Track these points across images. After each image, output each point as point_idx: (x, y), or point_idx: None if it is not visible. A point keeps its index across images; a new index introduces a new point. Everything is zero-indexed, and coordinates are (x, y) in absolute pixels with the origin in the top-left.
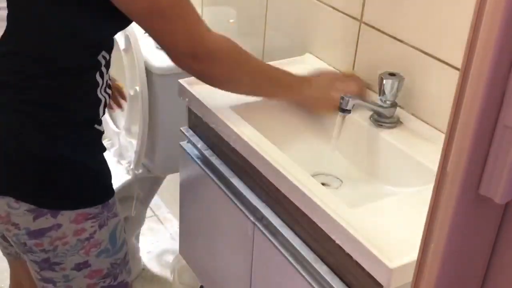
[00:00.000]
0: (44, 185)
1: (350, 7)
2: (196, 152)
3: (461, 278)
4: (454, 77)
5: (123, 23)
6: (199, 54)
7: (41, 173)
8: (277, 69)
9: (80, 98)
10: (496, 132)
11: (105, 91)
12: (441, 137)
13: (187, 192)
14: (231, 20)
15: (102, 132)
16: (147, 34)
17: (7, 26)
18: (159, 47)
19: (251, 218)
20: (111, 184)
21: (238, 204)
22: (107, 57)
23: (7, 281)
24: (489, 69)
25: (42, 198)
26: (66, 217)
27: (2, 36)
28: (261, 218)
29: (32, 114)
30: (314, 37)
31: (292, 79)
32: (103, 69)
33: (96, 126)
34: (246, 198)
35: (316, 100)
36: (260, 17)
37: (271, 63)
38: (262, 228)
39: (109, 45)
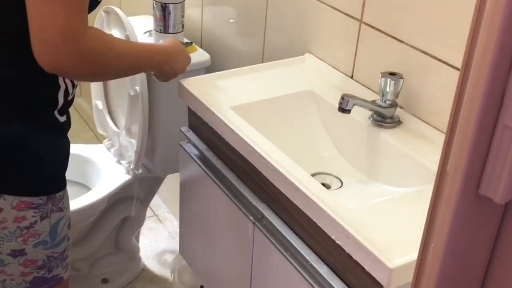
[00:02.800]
0: None
1: (350, 7)
2: (196, 152)
3: (461, 278)
4: (454, 77)
5: None
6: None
7: None
8: (137, 47)
9: (34, 80)
10: (496, 132)
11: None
12: (441, 137)
13: (187, 192)
14: (231, 20)
15: (61, 123)
16: (147, 34)
17: None
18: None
19: (251, 218)
20: (61, 178)
21: (238, 204)
22: None
23: None
24: (489, 69)
25: None
26: (8, 202)
27: None
28: (261, 218)
29: None
30: (314, 37)
31: (151, 52)
32: None
33: (55, 113)
34: (246, 198)
35: (173, 68)
36: (260, 17)
37: (271, 63)
38: (262, 228)
39: None
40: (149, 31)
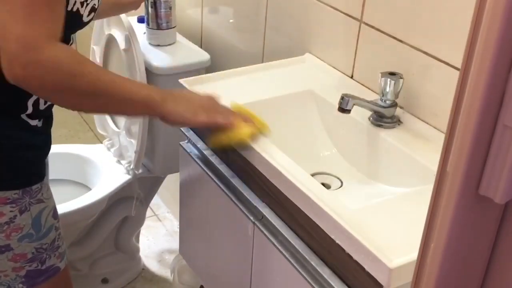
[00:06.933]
0: None
1: (350, 7)
2: (196, 152)
3: (461, 278)
4: (454, 77)
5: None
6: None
7: None
8: (130, 85)
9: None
10: (496, 132)
11: None
12: (441, 137)
13: (187, 192)
14: (231, 20)
15: (32, 126)
16: (147, 34)
17: None
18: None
19: (251, 218)
20: (36, 172)
21: (238, 204)
22: None
23: None
24: (489, 69)
25: None
26: None
27: None
28: (261, 218)
29: None
30: (314, 37)
31: (148, 95)
32: None
33: (22, 116)
34: (246, 198)
35: (182, 114)
36: (260, 17)
37: (271, 63)
38: (262, 228)
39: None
40: None
